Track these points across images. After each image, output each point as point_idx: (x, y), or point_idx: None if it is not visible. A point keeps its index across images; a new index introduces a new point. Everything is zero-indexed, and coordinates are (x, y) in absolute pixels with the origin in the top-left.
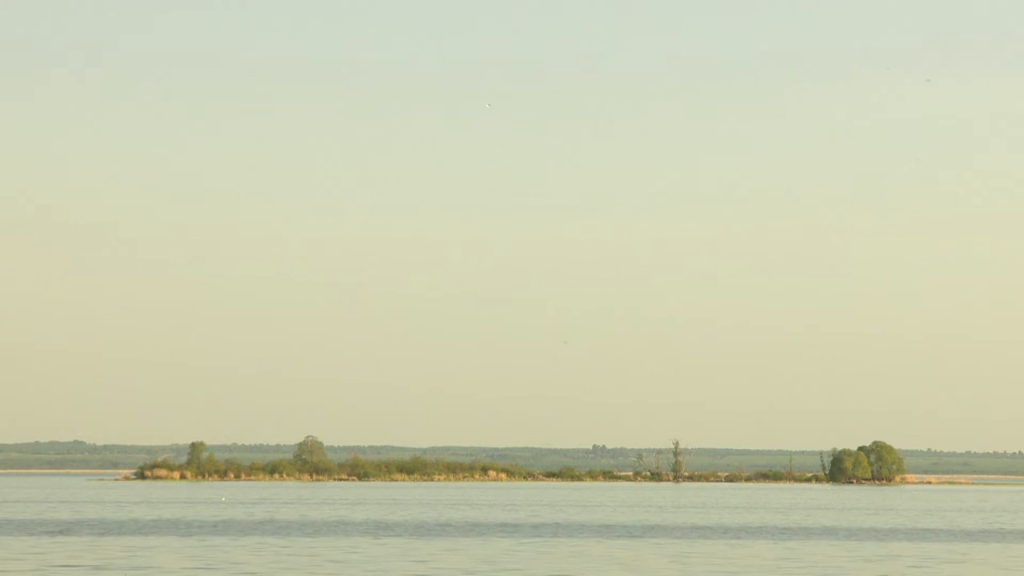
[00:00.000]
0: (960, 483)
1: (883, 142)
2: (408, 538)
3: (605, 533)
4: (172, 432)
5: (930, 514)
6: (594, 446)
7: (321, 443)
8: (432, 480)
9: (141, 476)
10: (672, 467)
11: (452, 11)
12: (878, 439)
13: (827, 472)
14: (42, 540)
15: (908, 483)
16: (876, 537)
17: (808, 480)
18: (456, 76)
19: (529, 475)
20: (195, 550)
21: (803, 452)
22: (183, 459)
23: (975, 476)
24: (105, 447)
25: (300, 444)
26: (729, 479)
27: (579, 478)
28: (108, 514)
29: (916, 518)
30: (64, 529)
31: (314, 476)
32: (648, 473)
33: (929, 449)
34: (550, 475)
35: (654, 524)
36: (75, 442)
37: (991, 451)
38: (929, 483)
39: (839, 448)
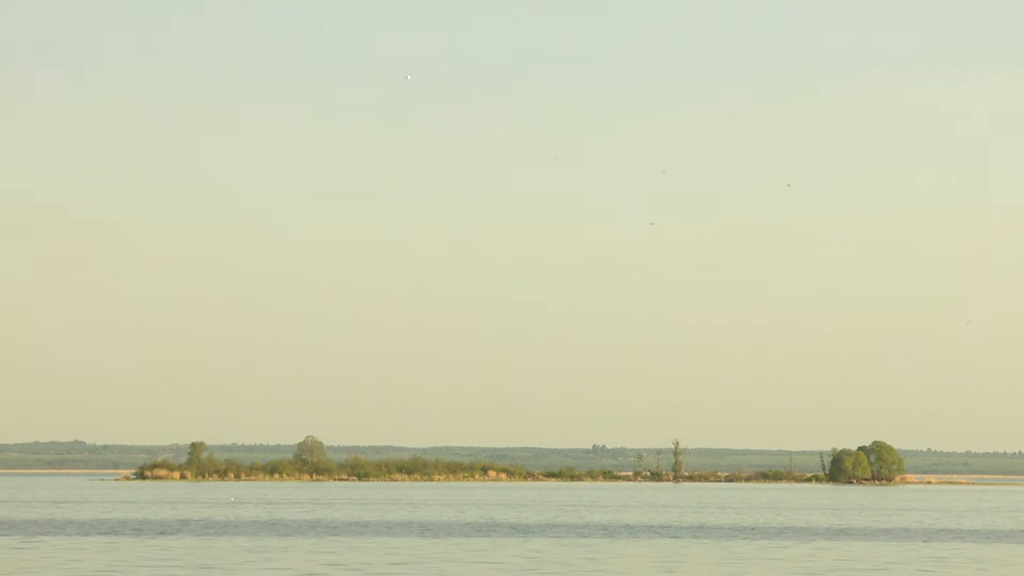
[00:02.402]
0: (960, 483)
1: (882, 142)
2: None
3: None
4: (172, 432)
5: (964, 514)
6: (594, 446)
7: (321, 443)
8: (432, 480)
9: (141, 476)
10: (672, 467)
11: (452, 10)
12: (878, 439)
13: (827, 472)
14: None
15: (908, 483)
16: (907, 537)
17: (808, 480)
18: (456, 76)
19: (529, 475)
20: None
21: (803, 452)
22: (183, 459)
23: (975, 476)
24: (105, 447)
25: (300, 444)
26: (729, 479)
27: (579, 478)
28: (187, 515)
29: (938, 518)
30: (223, 530)
31: (314, 476)
32: (648, 473)
33: (929, 449)
34: (550, 475)
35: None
36: (75, 442)
37: (991, 451)
38: (929, 483)
39: (839, 448)
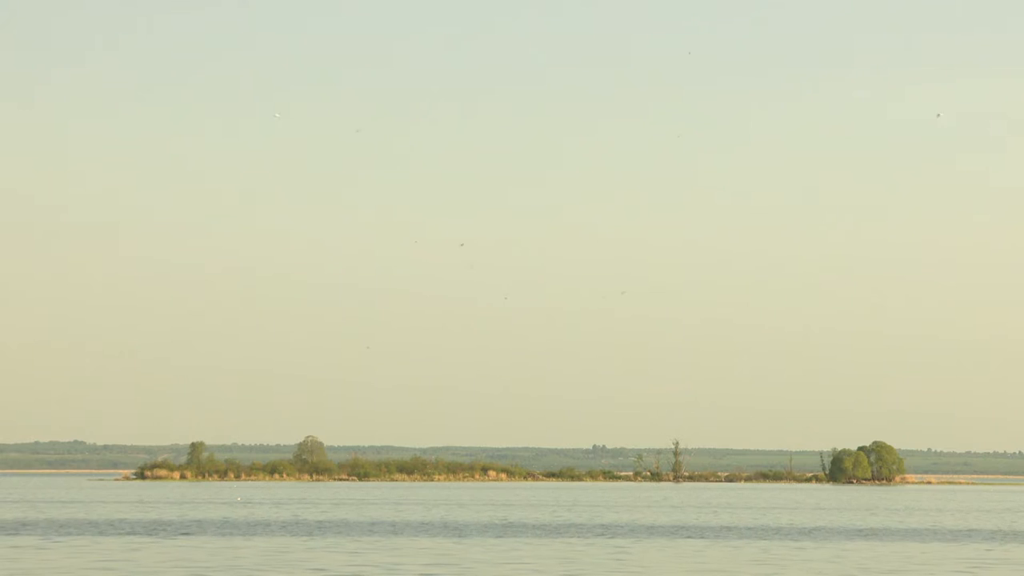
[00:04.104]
0: (960, 483)
1: (883, 142)
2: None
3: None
4: (172, 432)
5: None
6: (594, 446)
7: (321, 443)
8: (432, 480)
9: (141, 476)
10: (672, 467)
11: (451, 10)
12: (878, 439)
13: (827, 472)
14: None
15: (908, 483)
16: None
17: (808, 480)
18: (456, 76)
19: (529, 475)
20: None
21: (803, 452)
22: (183, 459)
23: (975, 476)
24: (105, 447)
25: (300, 444)
26: (729, 479)
27: (579, 478)
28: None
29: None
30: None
31: (314, 476)
32: (648, 473)
33: (929, 449)
34: (550, 475)
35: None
36: (75, 442)
37: (991, 451)
38: (929, 483)
39: (839, 448)
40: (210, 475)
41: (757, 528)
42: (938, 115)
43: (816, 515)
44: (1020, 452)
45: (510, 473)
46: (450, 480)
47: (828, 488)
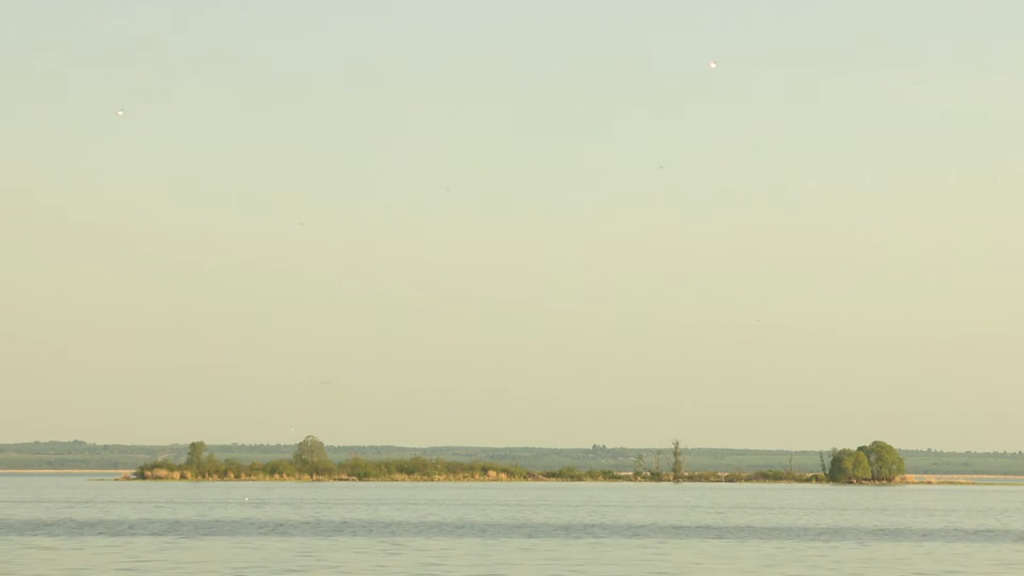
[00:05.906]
0: (960, 483)
1: (882, 142)
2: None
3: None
4: (172, 432)
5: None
6: (594, 446)
7: (321, 443)
8: (432, 480)
9: (141, 476)
10: (672, 467)
11: (450, 10)
12: (878, 439)
13: (827, 472)
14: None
15: (908, 483)
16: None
17: (808, 480)
18: (456, 75)
19: (529, 475)
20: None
21: (803, 452)
22: (183, 459)
23: (975, 476)
24: (105, 447)
25: (300, 444)
26: (729, 479)
27: (579, 478)
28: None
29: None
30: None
31: (314, 476)
32: (648, 473)
33: (929, 449)
34: (550, 475)
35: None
36: (75, 442)
37: (991, 451)
38: (929, 483)
39: (839, 448)
40: (210, 475)
41: (813, 529)
42: (712, 64)
43: (871, 516)
44: (1020, 452)
45: (510, 473)
46: (450, 480)
47: (831, 488)
